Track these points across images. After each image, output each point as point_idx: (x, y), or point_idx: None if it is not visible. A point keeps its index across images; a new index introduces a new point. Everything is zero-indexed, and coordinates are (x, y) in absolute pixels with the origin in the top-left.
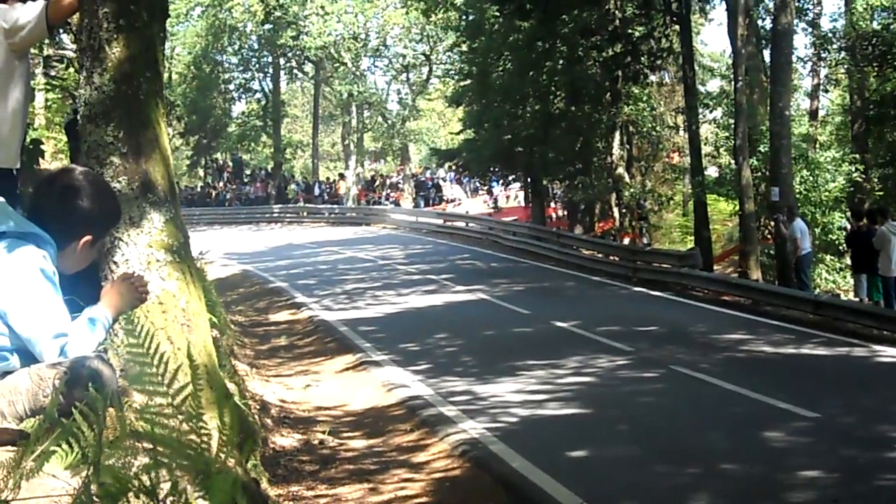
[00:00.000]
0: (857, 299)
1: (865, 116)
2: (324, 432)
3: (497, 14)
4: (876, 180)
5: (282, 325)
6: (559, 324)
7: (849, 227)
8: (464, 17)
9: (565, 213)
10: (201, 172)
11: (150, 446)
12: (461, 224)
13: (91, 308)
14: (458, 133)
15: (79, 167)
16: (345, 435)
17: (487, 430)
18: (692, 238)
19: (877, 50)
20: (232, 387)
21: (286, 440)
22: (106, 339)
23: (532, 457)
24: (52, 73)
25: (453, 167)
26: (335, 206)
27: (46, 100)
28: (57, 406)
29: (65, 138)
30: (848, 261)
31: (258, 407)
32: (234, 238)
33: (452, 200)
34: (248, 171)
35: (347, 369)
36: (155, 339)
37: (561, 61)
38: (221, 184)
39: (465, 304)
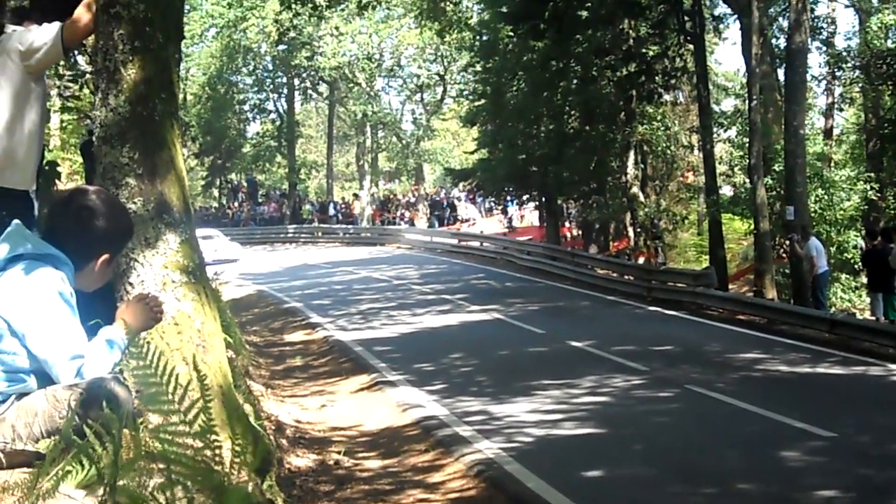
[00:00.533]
0: (873, 318)
1: (880, 135)
2: (339, 452)
3: (511, 34)
4: (891, 199)
5: (297, 346)
6: (574, 343)
7: (864, 246)
8: (478, 38)
9: (580, 232)
10: (216, 193)
11: (165, 466)
12: (476, 244)
13: (107, 328)
14: (472, 153)
15: (91, 187)
16: (360, 455)
17: (503, 450)
18: (707, 257)
19: (891, 68)
20: (247, 407)
21: (301, 461)
22: (122, 359)
23: (547, 477)
24: (68, 94)
25: (466, 187)
26: (350, 226)
27: (62, 121)
28: (73, 427)
29: (80, 159)
30: (864, 279)
31: (273, 427)
32: (248, 258)
33: (467, 220)
34: (262, 192)
35: (362, 389)
36: (164, 360)
37: (575, 81)
38: (236, 204)
39: (480, 323)
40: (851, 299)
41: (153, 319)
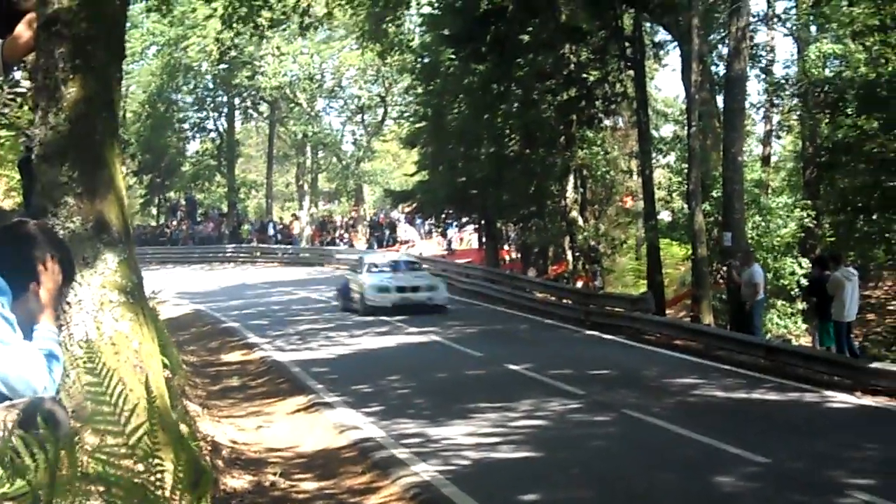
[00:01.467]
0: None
1: (817, 163)
2: (275, 474)
3: (453, 57)
4: (827, 226)
5: (234, 366)
6: (512, 366)
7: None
8: (419, 60)
9: (519, 255)
10: (154, 211)
11: (103, 489)
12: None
13: (37, 337)
14: (412, 174)
15: (32, 220)
16: (296, 477)
17: (439, 473)
18: (645, 282)
19: (829, 97)
20: (183, 428)
21: (237, 482)
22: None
23: (484, 500)
24: (6, 111)
25: (405, 209)
26: (289, 246)
27: None
28: (9, 447)
29: (18, 176)
30: (799, 306)
31: (209, 448)
32: (186, 277)
33: (406, 242)
34: (201, 211)
35: (299, 410)
36: (112, 379)
37: (516, 104)
38: (175, 223)
39: (418, 346)
40: (787, 325)
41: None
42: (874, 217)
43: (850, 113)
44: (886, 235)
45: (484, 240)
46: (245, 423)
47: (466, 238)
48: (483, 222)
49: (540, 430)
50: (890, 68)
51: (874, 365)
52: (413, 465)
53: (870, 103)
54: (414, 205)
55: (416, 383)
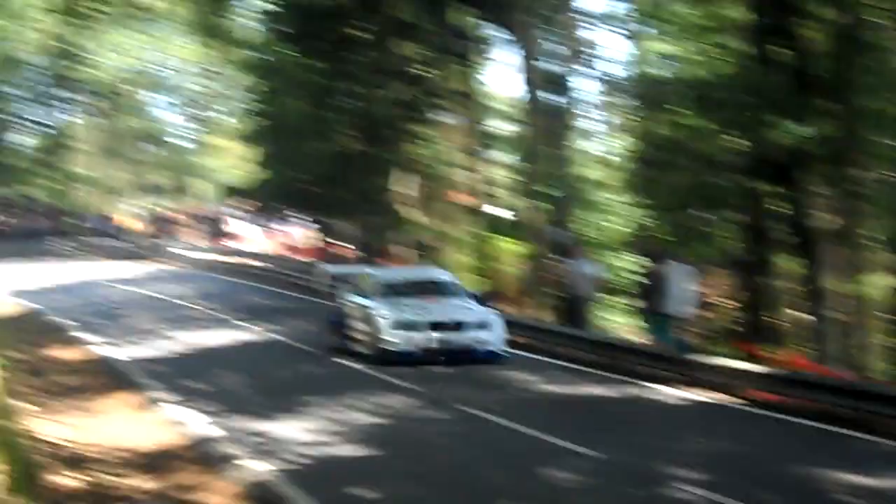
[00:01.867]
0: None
1: (652, 161)
2: (107, 472)
3: (290, 53)
4: (660, 223)
5: (67, 364)
6: (350, 364)
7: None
8: (258, 56)
9: (358, 252)
10: None
11: None
12: (252, 262)
13: None
14: (249, 171)
15: None
16: (129, 475)
17: (277, 470)
18: (479, 278)
19: (662, 96)
20: (14, 427)
21: (68, 481)
22: None
23: (320, 496)
24: None
25: (241, 204)
26: (120, 241)
27: None
28: None
29: None
30: (631, 301)
31: (38, 447)
32: (13, 273)
33: (243, 238)
34: (29, 205)
35: (134, 408)
36: None
37: (352, 101)
38: (1, 218)
39: (257, 343)
40: (619, 321)
41: None
42: (703, 214)
43: (682, 112)
44: (714, 233)
45: (320, 236)
46: (78, 421)
47: (302, 234)
48: (320, 219)
49: (377, 426)
50: (723, 70)
51: (698, 358)
52: (250, 462)
53: (702, 103)
54: (251, 201)
55: (255, 381)
